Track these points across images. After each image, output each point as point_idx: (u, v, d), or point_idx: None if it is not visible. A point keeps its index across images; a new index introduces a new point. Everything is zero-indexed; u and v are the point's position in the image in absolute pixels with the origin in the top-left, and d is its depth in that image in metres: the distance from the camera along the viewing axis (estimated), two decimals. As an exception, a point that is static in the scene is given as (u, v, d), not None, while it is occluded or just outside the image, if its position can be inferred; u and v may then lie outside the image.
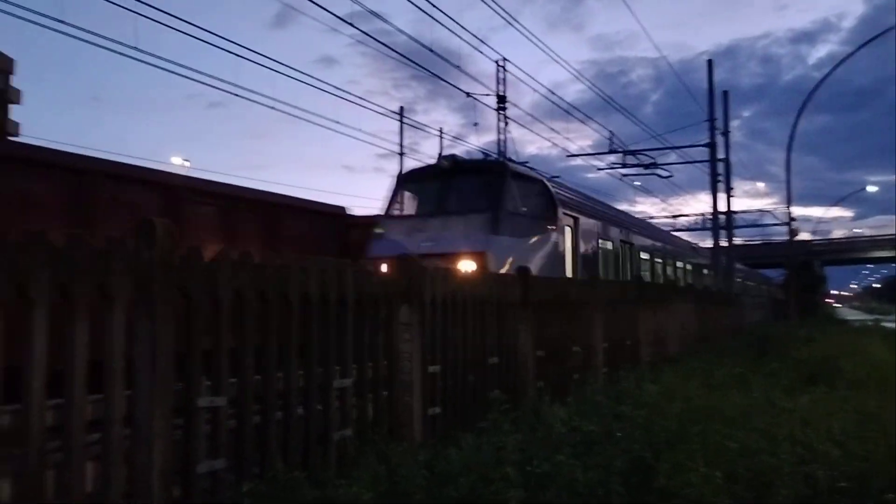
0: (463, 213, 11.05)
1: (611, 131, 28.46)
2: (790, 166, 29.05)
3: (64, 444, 2.87)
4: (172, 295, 3.28)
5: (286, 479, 3.53)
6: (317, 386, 4.29)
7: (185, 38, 12.42)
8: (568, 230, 12.60)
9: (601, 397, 6.11)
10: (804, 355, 10.74)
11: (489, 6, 16.70)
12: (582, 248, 13.11)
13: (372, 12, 15.35)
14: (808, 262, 49.72)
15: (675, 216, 43.17)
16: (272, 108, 28.55)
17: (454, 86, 37.51)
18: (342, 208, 12.11)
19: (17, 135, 11.95)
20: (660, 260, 19.39)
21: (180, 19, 12.02)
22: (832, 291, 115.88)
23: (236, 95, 16.04)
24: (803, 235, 53.26)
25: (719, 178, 25.43)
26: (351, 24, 15.88)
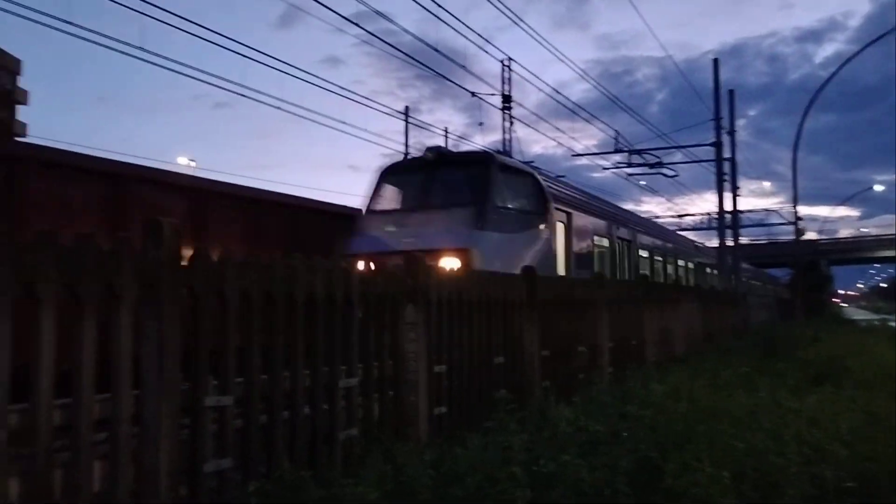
0: (446, 208, 10.47)
1: (616, 130, 28.46)
2: (796, 165, 28.96)
3: (72, 443, 2.88)
4: (179, 295, 3.29)
5: (292, 478, 3.54)
6: (323, 385, 4.29)
7: (192, 38, 12.46)
8: (560, 226, 11.99)
9: (607, 397, 6.10)
10: (811, 355, 10.71)
11: (494, 5, 16.70)
12: (575, 244, 12.50)
13: (377, 12, 15.38)
14: (814, 261, 49.54)
15: (680, 216, 43.03)
16: (278, 108, 28.55)
17: (459, 85, 37.47)
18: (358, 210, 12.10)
19: (24, 135, 12.02)
20: (660, 258, 18.75)
21: (186, 20, 12.06)
22: (839, 291, 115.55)
23: (242, 96, 16.12)
24: (809, 235, 53.09)
25: (725, 177, 25.36)
26: (356, 24, 15.95)
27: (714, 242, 27.54)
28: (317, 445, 4.16)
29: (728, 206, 25.83)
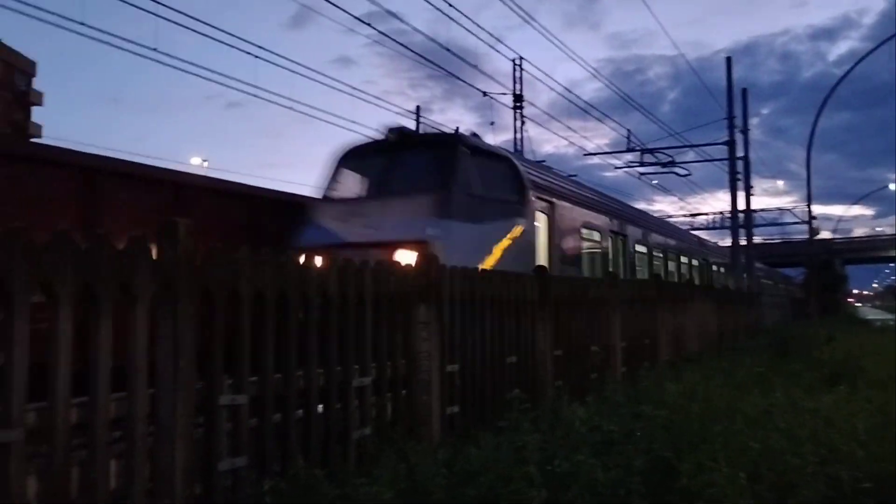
0: (407, 195, 9.30)
1: (628, 129, 28.39)
2: (810, 164, 28.78)
3: (88, 441, 2.90)
4: (194, 294, 3.31)
5: (307, 477, 3.54)
6: (336, 385, 4.30)
7: (204, 39, 12.53)
8: (541, 216, 10.69)
9: (620, 397, 6.08)
10: (825, 355, 10.63)
11: (506, 4, 16.71)
12: (560, 238, 11.19)
13: (389, 12, 15.41)
14: (828, 260, 49.18)
15: (693, 215, 42.92)
16: (290, 108, 28.62)
17: (471, 85, 37.50)
18: None
19: (39, 136, 12.14)
20: (660, 254, 17.31)
21: (199, 20, 12.13)
22: (853, 290, 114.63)
23: (254, 96, 16.18)
24: (824, 234, 52.73)
25: (738, 176, 25.23)
26: (368, 24, 16.00)
27: (727, 242, 27.39)
28: (330, 444, 4.17)
29: (741, 206, 25.71)
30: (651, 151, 28.31)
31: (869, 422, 5.15)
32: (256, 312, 3.74)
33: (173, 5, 11.50)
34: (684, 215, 42.56)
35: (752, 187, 26.51)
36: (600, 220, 13.29)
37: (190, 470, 3.21)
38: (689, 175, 29.75)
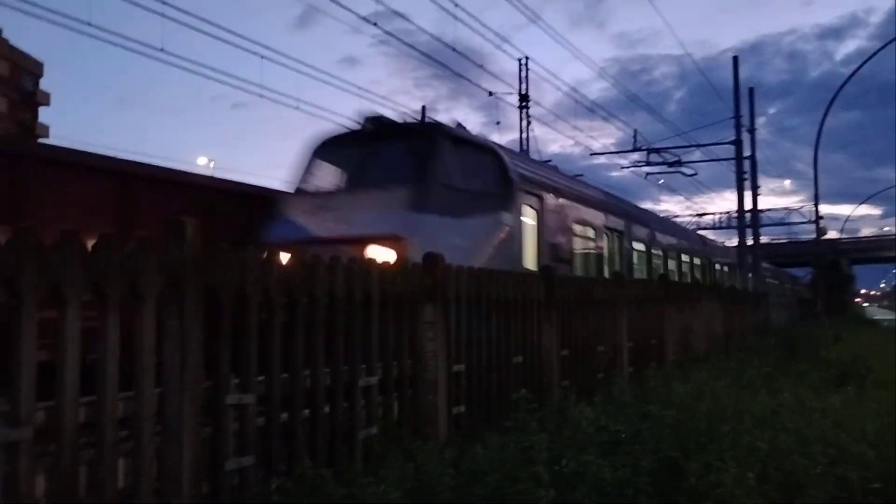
0: (382, 188, 8.76)
1: (634, 129, 28.37)
2: (817, 163, 28.66)
3: (96, 440, 2.91)
4: (201, 294, 3.31)
5: (313, 476, 3.54)
6: (343, 384, 4.31)
7: (210, 39, 12.56)
8: (529, 211, 10.05)
9: (627, 396, 6.07)
10: (833, 355, 10.59)
11: (512, 4, 16.69)
12: (550, 234, 10.57)
13: (395, 12, 15.40)
14: (835, 260, 49.02)
15: (700, 215, 42.83)
16: (296, 108, 28.64)
17: (476, 84, 37.49)
18: None
19: (46, 137, 12.18)
20: (659, 252, 16.62)
21: (205, 21, 12.14)
22: (860, 291, 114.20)
23: (260, 96, 16.17)
24: (831, 234, 52.58)
25: (745, 175, 25.18)
26: (374, 24, 15.94)
27: (734, 241, 27.32)
28: (337, 444, 4.18)
29: (748, 205, 25.67)
30: (657, 151, 28.28)
31: (878, 422, 5.13)
32: (262, 312, 3.75)
33: (180, 6, 11.54)
34: (691, 215, 42.51)
35: (758, 187, 26.48)
36: (595, 216, 12.66)
37: (197, 469, 3.21)
38: (695, 175, 29.74)
